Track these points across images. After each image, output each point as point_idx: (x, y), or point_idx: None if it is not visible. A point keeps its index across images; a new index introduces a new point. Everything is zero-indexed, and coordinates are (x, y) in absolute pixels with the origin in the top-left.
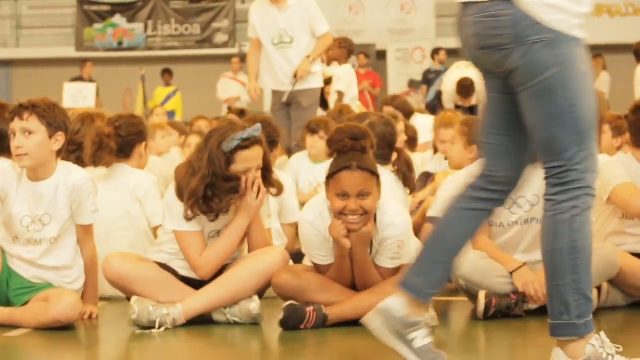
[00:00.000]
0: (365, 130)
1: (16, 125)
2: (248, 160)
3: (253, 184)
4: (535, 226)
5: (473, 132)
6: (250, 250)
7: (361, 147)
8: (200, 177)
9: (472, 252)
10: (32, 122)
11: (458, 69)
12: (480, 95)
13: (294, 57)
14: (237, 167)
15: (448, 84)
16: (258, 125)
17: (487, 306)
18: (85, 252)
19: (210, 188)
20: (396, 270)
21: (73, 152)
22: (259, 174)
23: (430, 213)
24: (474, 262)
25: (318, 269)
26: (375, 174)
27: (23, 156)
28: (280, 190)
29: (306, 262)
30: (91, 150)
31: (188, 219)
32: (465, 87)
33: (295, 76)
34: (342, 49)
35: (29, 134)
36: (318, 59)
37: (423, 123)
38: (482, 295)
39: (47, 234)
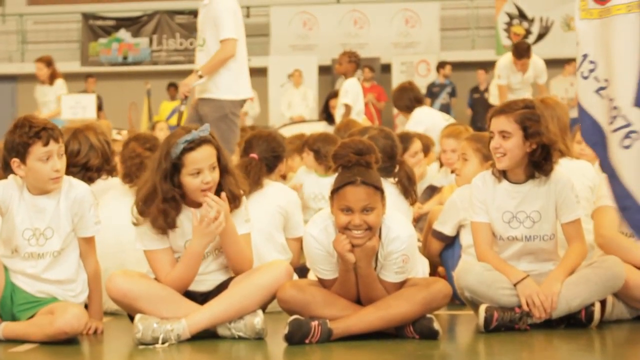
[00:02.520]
0: (370, 145)
1: (53, 148)
2: (197, 162)
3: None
4: (538, 243)
5: (486, 147)
6: (230, 265)
7: (366, 162)
8: (146, 186)
9: (477, 264)
10: (62, 144)
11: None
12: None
13: (203, 62)
14: (187, 169)
15: (504, 56)
16: (206, 126)
17: (488, 320)
18: (87, 265)
19: (158, 200)
20: (401, 285)
21: (77, 173)
22: (215, 174)
23: (436, 227)
24: (479, 274)
25: (323, 283)
26: (379, 189)
27: (60, 179)
28: (237, 198)
29: (311, 276)
30: (131, 170)
31: (138, 224)
32: (521, 50)
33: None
34: (351, 64)
35: (60, 157)
36: (218, 70)
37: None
38: (482, 309)
39: (49, 248)
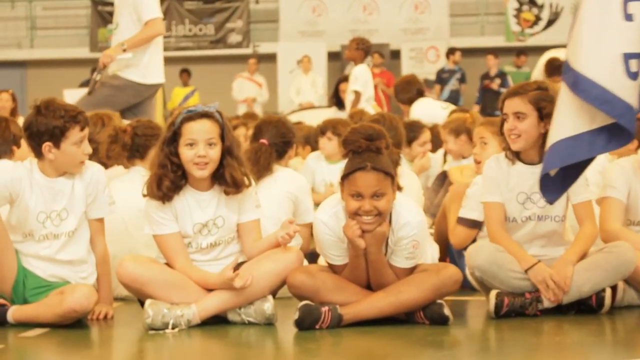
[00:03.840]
0: (380, 131)
1: (86, 132)
2: (192, 132)
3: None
4: (549, 223)
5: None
6: (245, 252)
7: (376, 148)
8: (156, 161)
9: (489, 245)
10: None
11: (549, 52)
12: None
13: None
14: (183, 139)
15: (537, 67)
16: (215, 103)
17: (498, 305)
18: (96, 247)
19: (155, 167)
20: (411, 270)
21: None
22: (213, 152)
23: (463, 214)
24: (491, 254)
25: (333, 269)
26: (390, 175)
27: (84, 163)
28: (239, 185)
29: (321, 262)
30: (106, 143)
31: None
32: (553, 67)
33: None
34: (359, 51)
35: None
36: (141, 48)
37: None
38: (492, 295)
39: (65, 228)
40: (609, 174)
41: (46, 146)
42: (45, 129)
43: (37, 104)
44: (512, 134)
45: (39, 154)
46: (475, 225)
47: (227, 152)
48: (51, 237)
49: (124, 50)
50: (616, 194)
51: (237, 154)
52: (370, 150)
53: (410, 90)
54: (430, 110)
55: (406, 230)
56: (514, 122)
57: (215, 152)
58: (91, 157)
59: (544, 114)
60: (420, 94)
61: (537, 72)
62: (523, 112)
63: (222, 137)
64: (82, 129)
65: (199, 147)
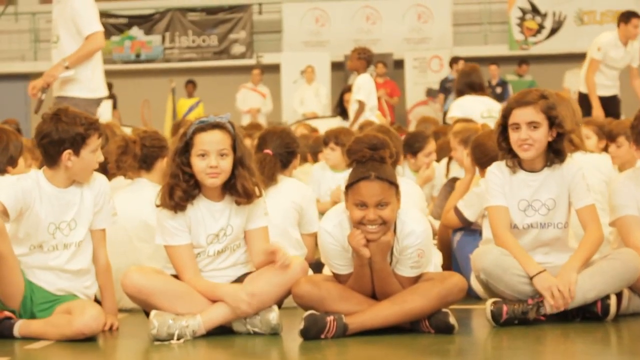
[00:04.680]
0: (384, 140)
1: (101, 140)
2: (204, 143)
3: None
4: (552, 231)
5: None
6: (252, 259)
7: (380, 157)
8: (168, 171)
9: (495, 248)
10: None
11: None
12: None
13: (56, 60)
14: (195, 150)
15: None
16: (227, 114)
17: (495, 313)
18: (99, 257)
19: (167, 176)
20: (416, 279)
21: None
22: (224, 162)
23: (460, 206)
24: (496, 257)
25: (338, 278)
26: (394, 184)
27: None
28: (250, 195)
29: (326, 271)
30: (116, 154)
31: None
32: (629, 13)
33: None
34: (361, 60)
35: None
36: (84, 64)
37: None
38: (488, 304)
39: (75, 238)
40: (618, 197)
41: (67, 154)
42: (68, 136)
43: (54, 112)
44: (526, 143)
45: (53, 162)
46: (464, 221)
47: (239, 162)
48: (61, 248)
49: (67, 68)
50: (632, 212)
51: (249, 164)
52: (374, 159)
53: (459, 81)
54: (471, 108)
55: (411, 239)
56: (527, 132)
57: (226, 163)
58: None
59: (554, 122)
60: (472, 87)
61: (606, 37)
62: (537, 121)
63: (234, 148)
64: (99, 137)
65: (211, 157)
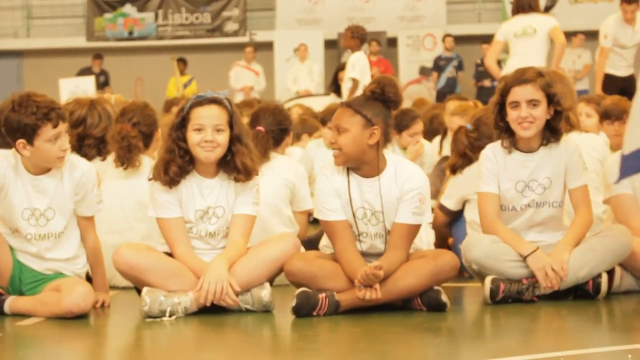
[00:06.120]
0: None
1: (62, 128)
2: (200, 117)
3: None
4: (547, 209)
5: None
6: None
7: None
8: (164, 146)
9: (484, 237)
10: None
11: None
12: None
13: None
14: (191, 124)
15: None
16: (225, 91)
17: (493, 291)
18: (87, 241)
19: (163, 151)
20: (413, 230)
21: (93, 146)
22: (220, 137)
23: (442, 200)
24: (486, 247)
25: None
26: (362, 115)
27: (64, 157)
28: (250, 172)
29: (323, 242)
30: (121, 153)
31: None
32: None
33: None
34: (355, 39)
35: (65, 134)
36: None
37: None
38: (487, 281)
39: (52, 229)
40: (612, 174)
41: (20, 143)
42: (17, 126)
43: (13, 98)
44: (526, 121)
45: (16, 149)
46: (449, 213)
47: (236, 139)
48: (38, 238)
49: None
50: (626, 190)
51: (247, 141)
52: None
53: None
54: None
55: (412, 183)
56: (528, 110)
57: (222, 138)
58: (90, 151)
59: (553, 100)
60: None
61: (609, 20)
62: (537, 99)
63: (231, 125)
64: (55, 126)
65: (207, 132)
